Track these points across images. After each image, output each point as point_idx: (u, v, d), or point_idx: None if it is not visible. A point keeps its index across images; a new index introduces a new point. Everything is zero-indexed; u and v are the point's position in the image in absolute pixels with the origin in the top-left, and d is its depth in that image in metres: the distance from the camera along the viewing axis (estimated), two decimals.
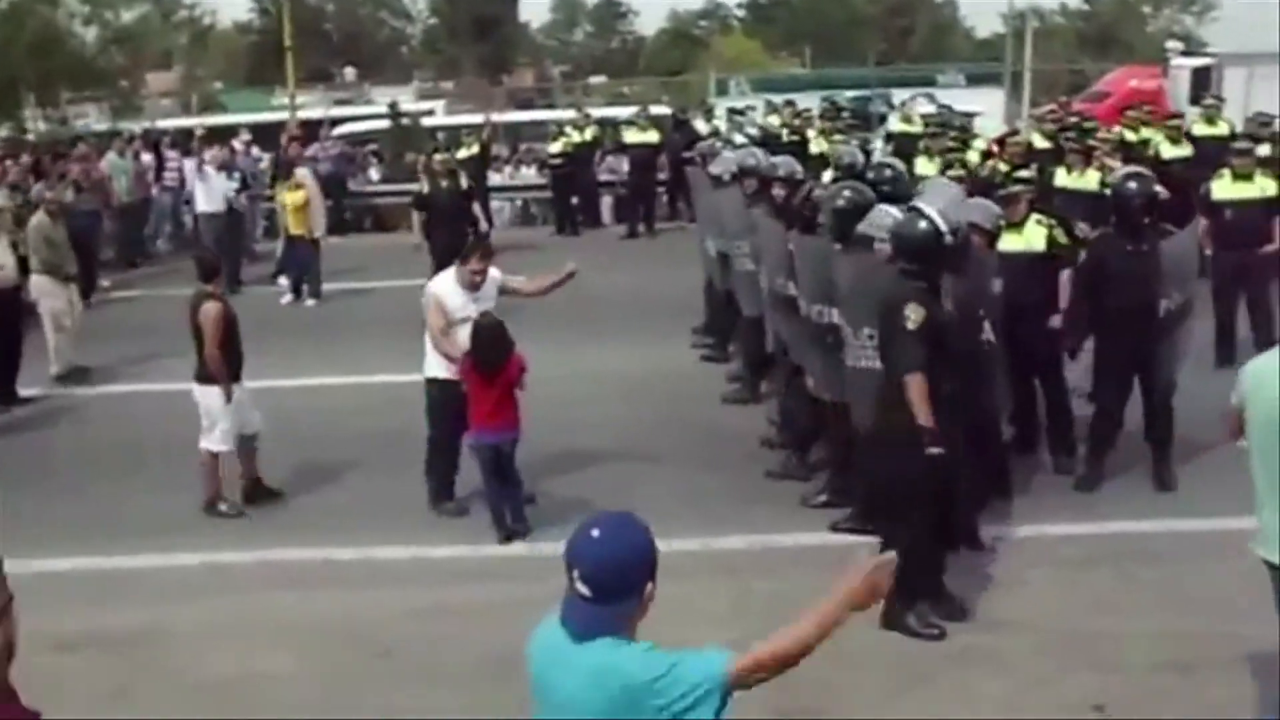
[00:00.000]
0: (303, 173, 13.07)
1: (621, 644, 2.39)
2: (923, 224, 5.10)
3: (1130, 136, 12.76)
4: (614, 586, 2.38)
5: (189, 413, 6.93)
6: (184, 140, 16.88)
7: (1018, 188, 7.11)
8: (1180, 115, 12.40)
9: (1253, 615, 5.13)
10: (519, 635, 5.15)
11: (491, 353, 6.14)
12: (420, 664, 5.07)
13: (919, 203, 5.27)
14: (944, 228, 5.10)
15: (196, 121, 21.46)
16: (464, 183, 11.79)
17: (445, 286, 6.54)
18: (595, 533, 2.40)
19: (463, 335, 6.43)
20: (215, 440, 6.77)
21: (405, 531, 6.42)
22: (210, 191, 13.46)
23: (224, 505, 6.81)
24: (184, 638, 5.34)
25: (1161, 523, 6.15)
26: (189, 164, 15.04)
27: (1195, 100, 16.27)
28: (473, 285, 6.50)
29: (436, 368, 6.57)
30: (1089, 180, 9.69)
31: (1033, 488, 6.53)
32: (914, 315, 4.88)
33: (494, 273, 6.63)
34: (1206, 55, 22.57)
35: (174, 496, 6.94)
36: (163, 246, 15.91)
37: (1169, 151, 11.17)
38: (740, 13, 51.95)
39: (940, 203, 5.30)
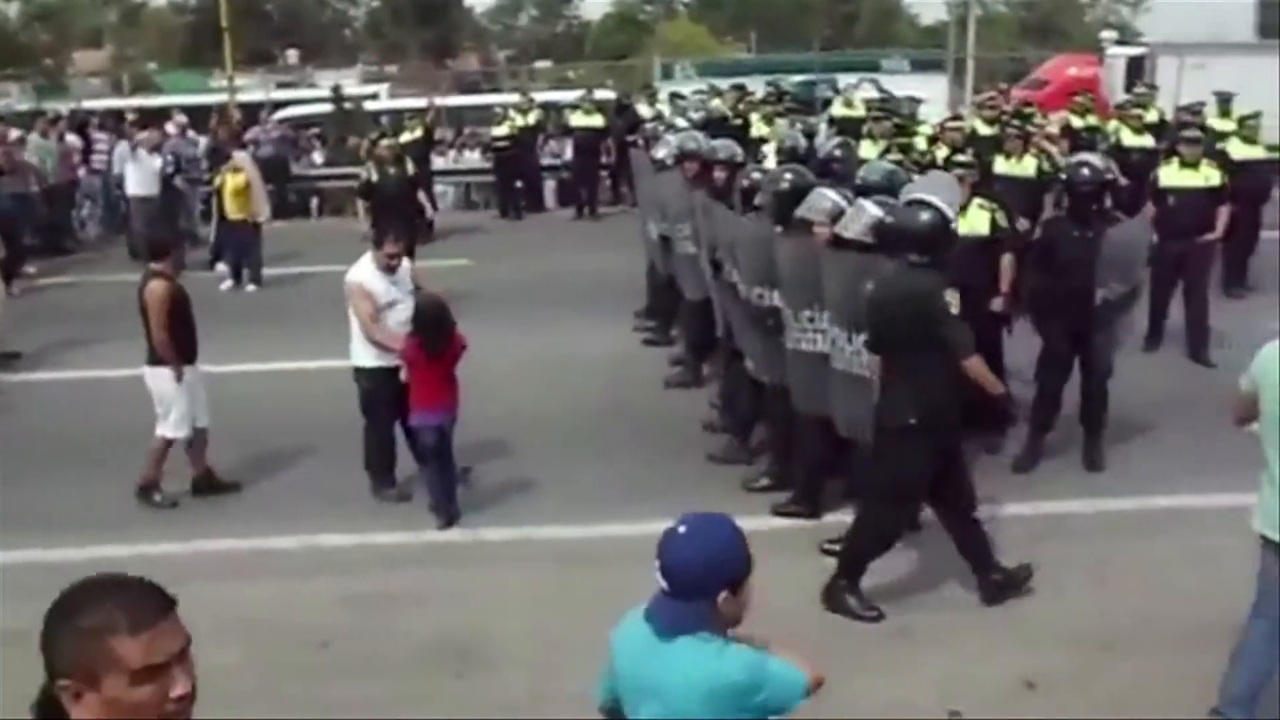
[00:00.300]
0: (241, 156, 12.84)
1: (709, 644, 2.41)
2: (926, 215, 5.10)
3: (1077, 123, 12.94)
4: (689, 584, 2.41)
5: (118, 399, 6.78)
6: (114, 122, 16.43)
7: (960, 171, 7.17)
8: (1141, 105, 12.53)
9: (1179, 592, 5.27)
10: (460, 623, 5.20)
11: (438, 332, 6.12)
12: (360, 654, 5.01)
13: (919, 194, 5.32)
14: (950, 215, 5.15)
15: (128, 102, 20.93)
16: (410, 168, 11.63)
17: (366, 273, 6.45)
18: (682, 529, 2.46)
19: (390, 320, 6.38)
20: (170, 426, 6.58)
21: (347, 519, 6.35)
22: (142, 174, 13.16)
23: (158, 495, 6.66)
24: None
25: (1091, 502, 6.26)
26: (120, 146, 14.66)
27: (1130, 88, 16.55)
28: (389, 268, 6.45)
29: (366, 357, 6.48)
30: (1026, 167, 9.80)
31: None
32: (954, 300, 4.95)
33: (406, 262, 6.63)
34: (1140, 45, 22.96)
35: (105, 486, 6.78)
36: (92, 231, 15.48)
37: (1130, 139, 11.29)
38: None
39: (941, 193, 5.35)
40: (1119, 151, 10.78)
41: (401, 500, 6.58)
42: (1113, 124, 12.44)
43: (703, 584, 2.40)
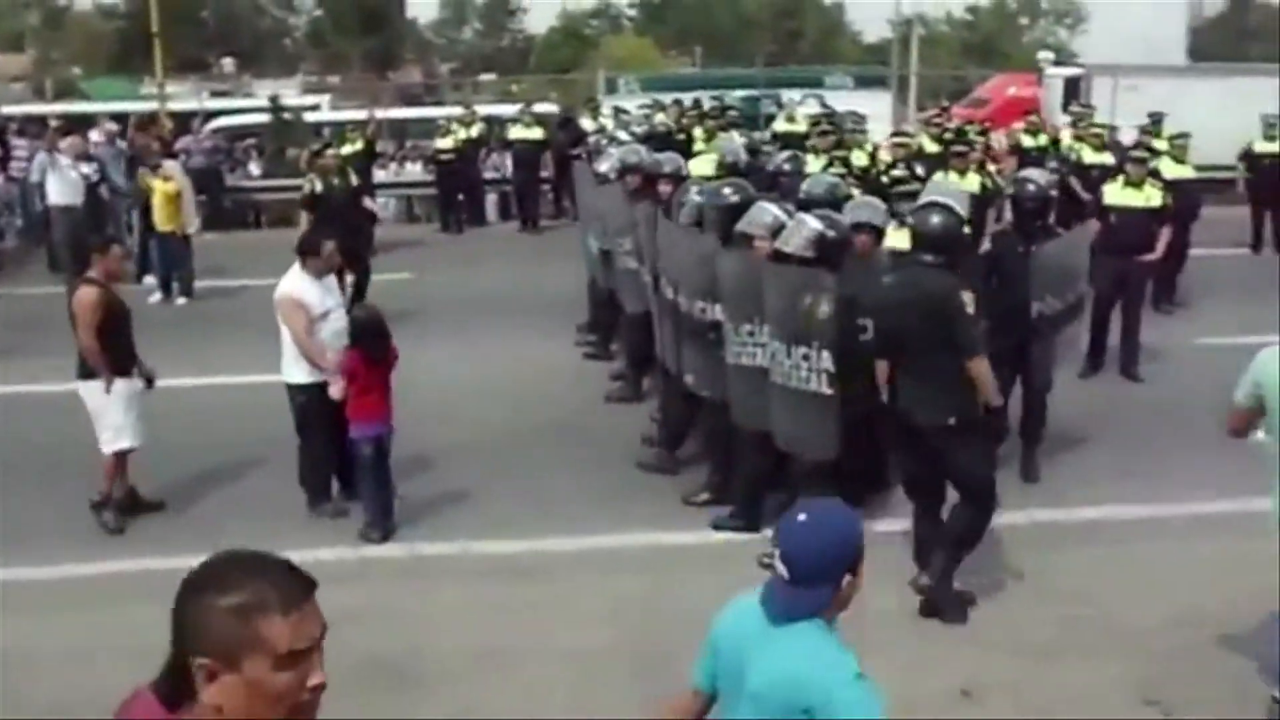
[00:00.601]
0: (171, 165, 12.63)
1: (825, 639, 2.44)
2: (939, 216, 5.24)
3: (1028, 141, 13.21)
4: (812, 571, 2.44)
5: (38, 415, 6.61)
6: (35, 128, 16.05)
7: (915, 186, 7.33)
8: (1101, 125, 12.80)
9: (1109, 600, 5.42)
10: (396, 639, 5.18)
11: (379, 341, 6.13)
12: None
13: (932, 196, 5.46)
14: (964, 215, 5.32)
15: (51, 109, 20.52)
16: (354, 179, 11.55)
17: (300, 284, 6.37)
18: (802, 516, 2.48)
19: (325, 332, 6.34)
20: (108, 440, 6.39)
21: (280, 536, 6.16)
22: (64, 183, 12.87)
23: (106, 514, 6.45)
24: (31, 658, 5.04)
25: (1027, 513, 6.39)
26: (41, 154, 14.32)
27: (1066, 107, 16.98)
28: (330, 269, 6.46)
29: (300, 373, 6.40)
30: (970, 183, 9.89)
31: None
32: (970, 300, 5.09)
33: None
34: (1077, 66, 23.59)
35: (20, 505, 6.59)
36: (10, 242, 15.00)
37: (1091, 157, 11.51)
38: (631, 12, 52.18)
39: (947, 197, 5.50)
40: (1080, 169, 11.00)
41: (338, 516, 6.52)
42: (1066, 140, 12.70)
43: (829, 570, 2.44)
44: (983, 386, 5.13)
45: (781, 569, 2.45)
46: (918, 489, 5.43)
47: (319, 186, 10.78)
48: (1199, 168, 11.06)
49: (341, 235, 9.13)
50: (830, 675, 2.38)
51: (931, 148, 12.11)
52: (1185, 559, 5.79)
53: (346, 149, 14.05)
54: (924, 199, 5.53)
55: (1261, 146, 13.36)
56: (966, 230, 5.36)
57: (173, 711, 1.66)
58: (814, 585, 2.44)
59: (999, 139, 13.15)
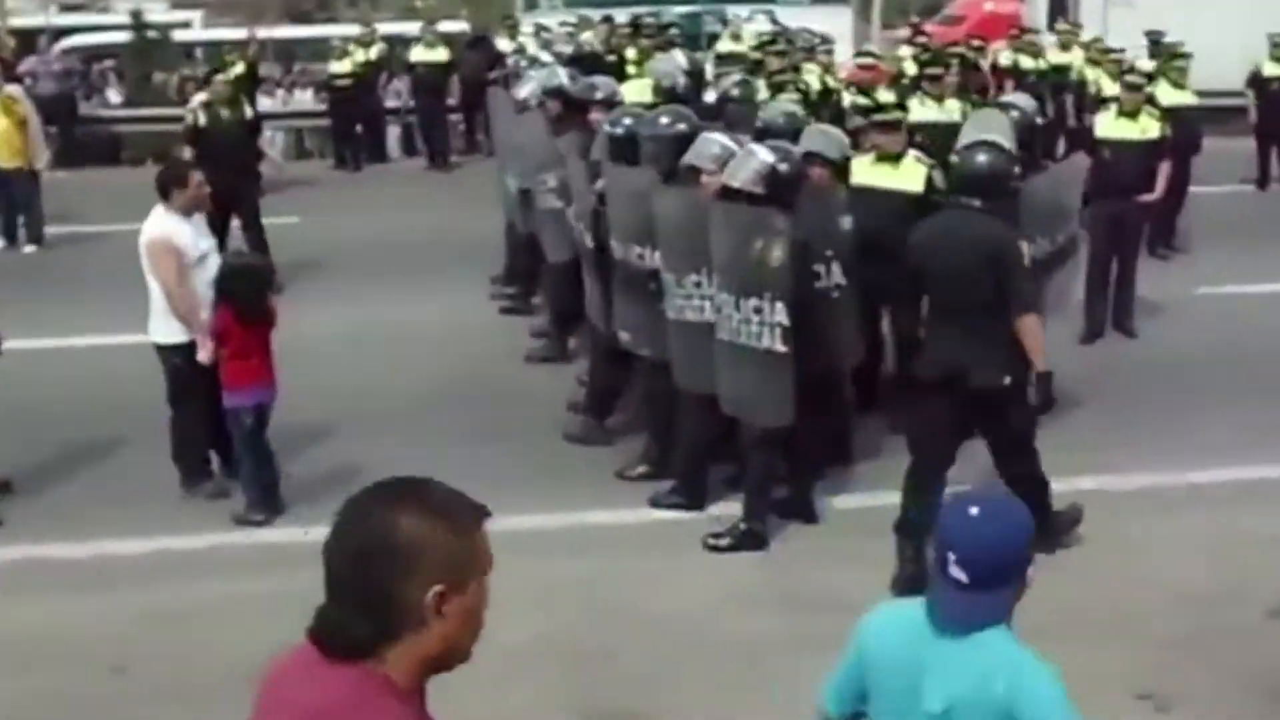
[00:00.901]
0: (15, 91, 12.38)
1: (1014, 646, 2.43)
2: (984, 156, 5.26)
3: (1028, 63, 13.25)
4: (995, 572, 2.42)
5: None
6: None
7: (896, 114, 7.33)
8: (1122, 50, 12.80)
9: (1105, 580, 5.52)
10: (282, 636, 5.04)
11: (258, 297, 6.07)
12: (161, 678, 4.90)
13: (976, 134, 5.52)
14: (1013, 152, 5.41)
15: None
16: (248, 111, 11.32)
17: (170, 225, 6.28)
18: (974, 510, 2.45)
19: (201, 280, 6.25)
20: None
21: (150, 521, 6.22)
22: None
23: None
24: None
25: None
26: None
27: (1052, 25, 17.11)
28: (200, 205, 6.40)
29: (172, 331, 6.32)
30: (950, 110, 9.74)
31: (871, 452, 6.74)
32: (1026, 250, 5.18)
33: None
34: None
35: None
36: None
37: (1110, 88, 11.41)
38: None
39: (994, 132, 5.55)
40: (1099, 102, 10.96)
41: (217, 497, 6.47)
42: (1077, 64, 12.76)
43: (1013, 568, 2.43)
44: (1033, 348, 5.16)
45: (958, 573, 2.41)
46: (934, 455, 5.37)
47: (203, 119, 10.60)
48: (1199, 94, 11.13)
49: (228, 175, 8.94)
50: (1037, 688, 2.39)
51: (913, 70, 12.05)
52: (1185, 534, 5.92)
53: (228, 74, 13.76)
54: (966, 136, 5.56)
55: (1271, 69, 13.23)
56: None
57: (360, 661, 1.77)
58: (996, 588, 2.42)
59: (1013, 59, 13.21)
